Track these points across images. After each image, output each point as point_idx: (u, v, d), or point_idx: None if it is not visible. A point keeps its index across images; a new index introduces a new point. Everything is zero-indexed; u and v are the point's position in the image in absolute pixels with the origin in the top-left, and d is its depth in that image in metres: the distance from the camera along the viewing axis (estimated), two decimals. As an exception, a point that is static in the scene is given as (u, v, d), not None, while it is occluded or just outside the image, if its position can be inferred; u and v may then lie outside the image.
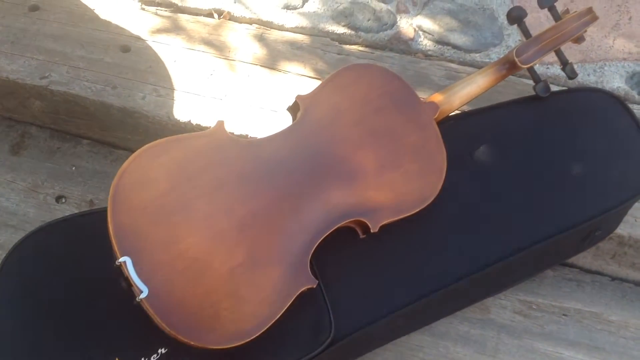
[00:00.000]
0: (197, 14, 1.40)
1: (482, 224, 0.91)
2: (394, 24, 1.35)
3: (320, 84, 0.92)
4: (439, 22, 1.34)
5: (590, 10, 1.00)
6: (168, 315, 0.74)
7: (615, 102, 0.99)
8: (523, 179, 0.93)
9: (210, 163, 0.81)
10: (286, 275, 0.78)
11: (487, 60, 1.29)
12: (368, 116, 0.88)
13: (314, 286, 0.80)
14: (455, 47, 1.31)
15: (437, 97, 0.95)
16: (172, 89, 1.25)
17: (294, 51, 1.31)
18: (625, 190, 0.92)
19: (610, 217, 0.93)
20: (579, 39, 0.99)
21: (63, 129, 1.39)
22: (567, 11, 0.99)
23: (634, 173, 0.93)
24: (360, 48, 1.30)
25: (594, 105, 1.00)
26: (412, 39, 1.33)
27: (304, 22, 1.36)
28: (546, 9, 0.96)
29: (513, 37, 1.31)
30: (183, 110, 1.22)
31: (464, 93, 0.94)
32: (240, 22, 1.38)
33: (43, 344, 0.81)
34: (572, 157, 0.94)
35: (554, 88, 1.08)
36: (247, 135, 1.16)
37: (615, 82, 1.24)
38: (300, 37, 1.33)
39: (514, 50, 0.95)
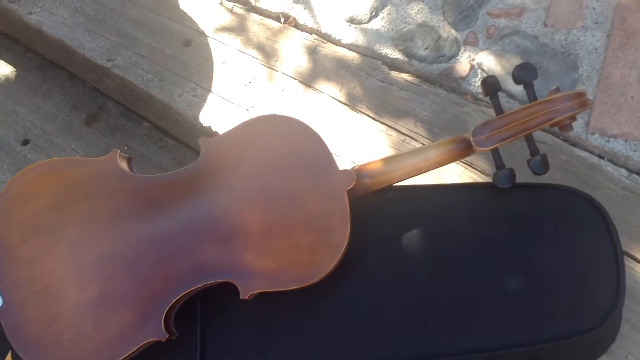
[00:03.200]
0: (267, 16, 1.47)
1: (387, 325, 0.84)
2: (453, 56, 1.27)
3: (231, 129, 0.92)
4: (504, 62, 1.23)
5: (580, 95, 0.85)
6: (15, 332, 0.84)
7: (595, 212, 0.85)
8: (452, 282, 0.84)
9: (92, 192, 0.87)
10: (135, 322, 0.82)
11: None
12: (270, 174, 0.86)
13: (162, 340, 0.82)
14: (509, 95, 1.19)
15: (374, 165, 0.90)
16: (208, 91, 1.35)
17: (338, 70, 1.31)
18: (572, 323, 0.79)
19: (548, 350, 0.80)
20: (563, 127, 0.85)
21: (132, 108, 1.57)
22: (556, 90, 0.87)
23: (592, 305, 0.80)
24: (408, 78, 1.25)
25: (567, 210, 0.87)
26: (464, 78, 1.25)
27: (361, 40, 1.35)
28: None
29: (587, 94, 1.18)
30: (209, 115, 1.31)
31: (409, 164, 0.88)
32: (302, 30, 1.41)
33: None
34: (517, 268, 0.83)
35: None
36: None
37: None
38: (351, 55, 1.32)
39: (473, 129, 0.86)
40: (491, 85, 0.87)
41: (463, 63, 1.26)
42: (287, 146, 0.87)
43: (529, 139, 0.86)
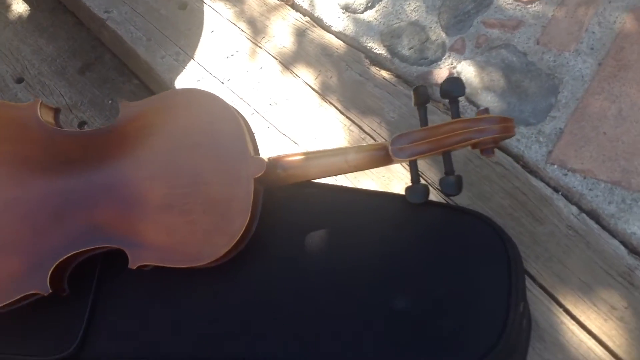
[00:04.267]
0: None
1: (266, 318, 0.84)
2: (435, 61, 1.24)
3: (154, 96, 0.92)
4: (485, 75, 1.20)
5: (506, 121, 0.82)
6: None
7: (500, 248, 0.81)
8: (339, 288, 0.83)
9: (7, 137, 0.89)
10: (21, 272, 0.84)
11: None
12: (180, 149, 0.86)
13: (45, 294, 0.84)
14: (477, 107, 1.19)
15: (292, 158, 0.89)
16: (190, 58, 1.36)
17: (320, 57, 1.30)
18: (447, 353, 0.76)
19: None
20: (484, 151, 0.82)
21: (126, 63, 1.61)
22: (485, 111, 0.84)
23: (472, 339, 0.77)
24: (386, 76, 1.23)
25: (474, 239, 0.83)
26: (438, 85, 1.21)
27: (350, 29, 1.34)
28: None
29: (556, 123, 1.12)
30: (185, 81, 1.33)
31: (327, 164, 0.87)
32: (297, 11, 1.40)
33: None
34: (406, 287, 0.81)
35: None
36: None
37: None
38: (337, 44, 1.31)
39: (393, 137, 0.84)
40: (420, 94, 0.85)
41: (443, 69, 1.23)
42: (204, 123, 0.87)
43: (447, 157, 0.83)
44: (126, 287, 0.92)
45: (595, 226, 1.02)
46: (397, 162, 0.85)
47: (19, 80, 1.63)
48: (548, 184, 1.07)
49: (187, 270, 0.86)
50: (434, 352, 0.78)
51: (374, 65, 1.27)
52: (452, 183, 0.82)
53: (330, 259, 0.87)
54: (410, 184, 0.85)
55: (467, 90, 1.19)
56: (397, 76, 1.25)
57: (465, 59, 1.23)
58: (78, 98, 1.55)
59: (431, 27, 1.29)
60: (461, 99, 1.18)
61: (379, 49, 1.29)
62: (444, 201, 1.07)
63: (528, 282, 0.99)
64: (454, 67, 1.23)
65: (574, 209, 1.04)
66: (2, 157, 0.90)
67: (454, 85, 0.83)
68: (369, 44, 1.30)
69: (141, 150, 0.88)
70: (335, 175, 0.90)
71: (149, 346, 0.88)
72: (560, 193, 1.06)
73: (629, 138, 1.08)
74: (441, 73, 1.23)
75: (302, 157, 0.89)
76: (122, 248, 0.85)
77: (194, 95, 0.90)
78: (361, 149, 0.88)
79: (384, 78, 1.24)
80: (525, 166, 1.10)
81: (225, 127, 0.87)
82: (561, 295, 0.97)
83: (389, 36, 1.30)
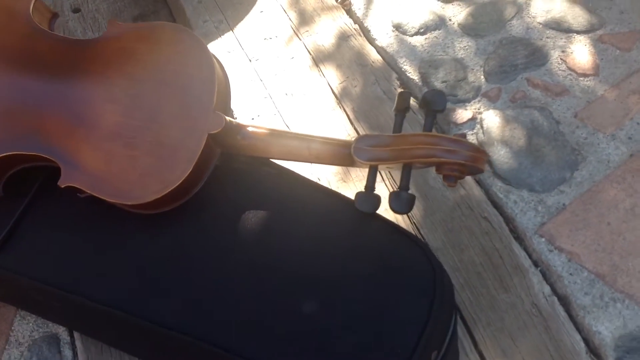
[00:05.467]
0: None
1: (177, 287, 0.81)
2: (463, 101, 1.18)
3: (145, 23, 0.92)
4: (508, 129, 1.13)
5: (479, 152, 0.76)
6: None
7: (428, 287, 0.74)
8: (256, 276, 0.78)
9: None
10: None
11: (502, 197, 1.06)
12: (148, 82, 0.84)
13: None
14: (490, 162, 1.10)
15: (256, 129, 0.85)
16: (230, 29, 1.36)
17: (353, 64, 1.27)
18: None
19: None
20: (447, 178, 0.76)
21: (177, 21, 1.64)
22: (462, 135, 0.79)
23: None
24: (412, 101, 1.21)
25: (407, 266, 0.77)
26: (457, 124, 1.16)
27: (393, 48, 1.31)
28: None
29: (562, 198, 1.05)
30: (215, 49, 1.33)
31: (289, 146, 0.83)
32: (350, 16, 1.38)
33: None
34: (322, 294, 0.76)
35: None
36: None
37: None
38: (374, 57, 1.28)
39: (359, 136, 0.80)
40: (403, 100, 0.80)
41: (467, 111, 1.18)
42: (180, 65, 0.85)
43: (406, 171, 0.78)
44: (58, 211, 0.90)
45: (563, 313, 0.93)
46: (359, 164, 0.81)
47: (76, 10, 1.66)
48: (529, 256, 1.00)
49: (118, 213, 0.85)
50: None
51: (401, 88, 1.23)
52: (403, 200, 0.77)
53: (259, 244, 0.82)
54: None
55: (483, 138, 1.13)
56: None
57: (494, 108, 1.17)
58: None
59: (473, 69, 1.24)
60: (467, 136, 1.12)
61: (412, 74, 1.25)
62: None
63: (467, 346, 0.91)
64: (480, 112, 1.17)
65: (547, 289, 0.96)
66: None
67: (436, 97, 0.79)
68: (405, 67, 1.26)
69: (111, 72, 0.87)
70: (296, 160, 0.85)
71: (55, 274, 0.86)
72: (538, 268, 0.98)
73: (633, 237, 1.00)
74: (464, 114, 1.17)
75: (266, 131, 0.85)
76: (59, 163, 0.83)
77: (182, 35, 0.88)
78: (327, 140, 0.83)
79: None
80: (513, 230, 1.02)
81: (200, 75, 0.84)
82: (499, 370, 0.90)
83: (428, 65, 1.26)
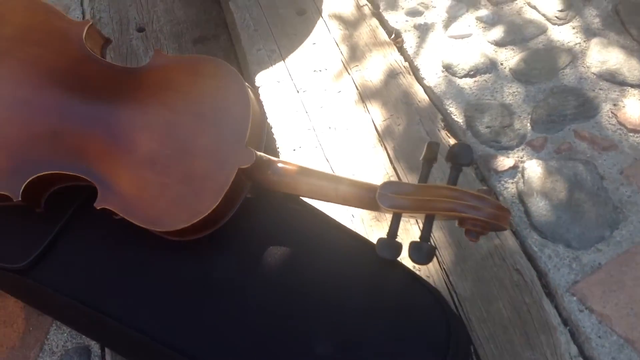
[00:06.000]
0: (383, 26, 1.47)
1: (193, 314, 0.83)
2: (506, 148, 1.17)
3: (188, 56, 0.96)
4: (549, 181, 1.11)
5: (503, 210, 0.76)
6: None
7: (444, 337, 0.74)
8: (278, 315, 0.80)
9: (47, 43, 0.94)
10: (3, 170, 0.88)
11: (537, 251, 1.05)
12: (185, 114, 0.87)
13: (14, 199, 0.87)
14: (527, 213, 1.08)
15: (287, 166, 0.87)
16: (282, 59, 1.39)
17: (399, 103, 1.28)
18: None
19: None
20: (468, 233, 0.75)
21: (235, 47, 1.66)
22: (487, 191, 0.78)
23: None
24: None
25: (424, 322, 0.76)
26: (499, 172, 1.15)
27: (441, 89, 1.31)
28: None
29: (598, 257, 1.02)
30: (265, 78, 1.36)
31: (318, 186, 0.84)
32: (401, 53, 1.39)
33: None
34: (338, 343, 0.76)
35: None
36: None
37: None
38: (421, 97, 1.28)
39: (384, 182, 0.80)
40: (431, 151, 0.81)
41: (509, 159, 1.16)
42: (217, 100, 0.88)
43: (428, 222, 0.77)
44: (93, 231, 0.93)
45: (587, 377, 0.92)
46: (383, 210, 0.81)
47: (140, 30, 1.72)
48: (560, 314, 0.98)
49: (151, 236, 0.87)
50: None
51: (445, 129, 1.23)
52: (423, 251, 0.77)
53: (281, 283, 0.84)
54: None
55: (523, 188, 1.12)
56: (463, 149, 1.20)
57: (538, 158, 1.16)
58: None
59: (520, 116, 1.23)
60: (514, 196, 1.12)
61: (457, 117, 1.25)
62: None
63: (484, 401, 0.91)
64: (523, 161, 1.15)
65: (574, 349, 0.94)
66: (31, 58, 0.95)
67: (464, 152, 0.79)
68: (451, 109, 1.26)
69: (151, 100, 0.90)
70: (323, 200, 0.86)
71: (86, 293, 0.89)
72: (567, 328, 0.96)
73: (670, 303, 0.97)
74: (506, 162, 1.16)
75: (296, 169, 0.86)
76: (96, 185, 0.86)
77: (222, 70, 0.90)
78: (354, 184, 0.84)
79: (448, 145, 1.20)
80: (545, 286, 1.01)
81: (235, 110, 0.87)
82: None
83: (474, 108, 1.25)
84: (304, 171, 0.87)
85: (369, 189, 0.83)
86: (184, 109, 0.88)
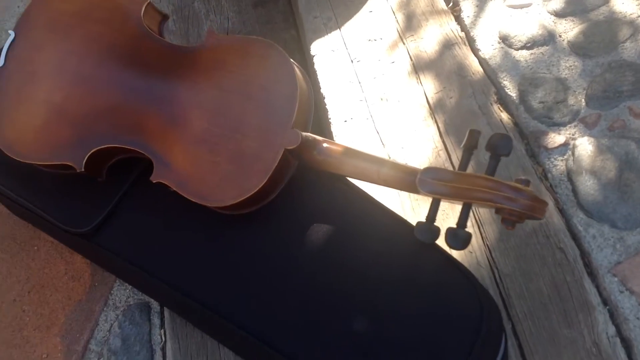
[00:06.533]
0: None
1: (248, 287, 0.90)
2: (558, 125, 1.16)
3: (240, 36, 1.03)
4: (599, 159, 1.10)
5: (540, 203, 0.78)
6: None
7: (477, 317, 0.78)
8: (325, 289, 0.86)
9: (108, 20, 1.00)
10: (68, 142, 0.96)
11: (581, 230, 1.05)
12: (236, 93, 0.91)
13: (78, 170, 0.94)
14: (575, 192, 1.09)
15: (332, 147, 0.90)
16: (337, 28, 1.41)
17: (452, 75, 1.29)
18: None
19: None
20: (504, 220, 0.78)
21: (293, 12, 1.68)
22: (524, 182, 0.79)
23: None
24: (504, 118, 1.18)
25: (453, 296, 0.81)
26: (548, 149, 1.15)
27: (496, 61, 1.31)
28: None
29: None
30: (320, 46, 1.39)
31: (361, 167, 0.87)
32: (457, 23, 1.39)
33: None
34: (377, 318, 0.81)
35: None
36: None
37: None
38: (475, 69, 1.28)
39: (426, 167, 0.83)
40: (472, 138, 0.83)
41: (560, 136, 1.16)
42: (267, 81, 0.92)
43: (465, 209, 0.81)
44: (151, 201, 1.01)
45: (623, 356, 0.93)
46: (422, 193, 0.84)
47: None
48: (600, 294, 0.99)
49: (204, 209, 0.94)
50: None
51: (498, 103, 1.23)
52: (459, 237, 0.80)
53: (323, 258, 0.89)
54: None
55: (572, 166, 1.12)
56: (515, 124, 1.20)
57: (590, 135, 1.15)
58: (240, 27, 1.65)
59: (575, 91, 1.22)
60: (562, 173, 1.13)
61: (511, 91, 1.24)
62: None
63: (517, 375, 0.94)
64: (574, 138, 1.15)
65: (612, 329, 0.96)
66: (93, 35, 1.01)
67: (503, 142, 0.81)
68: (505, 82, 1.26)
69: (204, 80, 0.95)
70: (365, 181, 0.90)
71: (143, 258, 0.97)
72: (607, 308, 0.98)
73: None
74: (557, 138, 1.16)
75: (341, 149, 0.90)
76: (152, 160, 0.93)
77: (271, 52, 0.94)
78: (396, 167, 0.87)
79: (500, 120, 1.20)
80: (587, 265, 1.02)
81: (284, 92, 0.91)
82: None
83: (528, 82, 1.25)
84: (348, 152, 0.90)
85: (410, 172, 0.86)
86: (234, 90, 0.93)
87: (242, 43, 0.96)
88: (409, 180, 0.86)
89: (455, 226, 0.81)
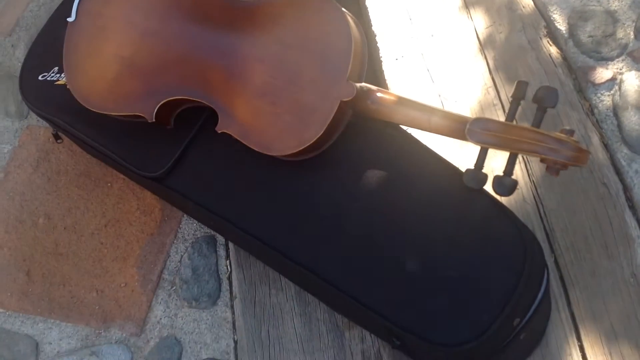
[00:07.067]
0: None
1: (309, 232, 0.97)
2: (607, 59, 1.19)
3: None
4: None
5: (583, 152, 0.83)
6: (69, 47, 1.09)
7: (521, 256, 0.85)
8: (376, 228, 0.93)
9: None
10: (139, 94, 1.03)
11: (625, 165, 1.10)
12: (293, 48, 0.96)
13: (149, 120, 1.02)
14: (620, 127, 1.13)
15: (385, 96, 0.95)
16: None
17: (502, 8, 1.31)
18: (442, 329, 0.85)
19: (408, 338, 0.88)
20: (549, 169, 0.84)
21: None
22: (569, 132, 0.84)
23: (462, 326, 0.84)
24: (553, 53, 1.22)
25: (500, 237, 0.88)
26: (596, 84, 1.19)
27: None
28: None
29: None
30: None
31: (412, 115, 0.93)
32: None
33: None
34: (431, 257, 0.89)
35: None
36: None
37: None
38: (525, 2, 1.31)
39: (476, 117, 0.88)
40: (520, 89, 0.87)
41: (608, 70, 1.19)
42: (323, 34, 0.96)
43: (512, 158, 0.86)
44: (218, 145, 1.07)
45: (659, 287, 1.00)
46: (470, 141, 0.89)
47: None
48: (639, 226, 1.06)
49: (267, 156, 0.99)
50: (414, 320, 0.88)
51: (547, 37, 1.26)
52: (505, 185, 0.86)
53: (379, 199, 0.96)
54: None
55: (619, 101, 1.16)
56: (564, 58, 1.23)
57: (637, 69, 1.18)
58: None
59: (624, 24, 1.24)
60: (609, 109, 1.16)
61: (560, 24, 1.26)
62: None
63: (560, 304, 1.02)
64: (621, 73, 1.18)
65: (650, 261, 1.03)
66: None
67: (550, 95, 0.85)
68: (555, 15, 1.28)
69: (263, 34, 1.00)
70: (416, 128, 0.96)
71: (213, 201, 1.05)
72: (646, 241, 1.04)
73: None
74: (604, 74, 1.19)
75: (393, 98, 0.95)
76: (217, 111, 1.00)
77: (330, 8, 0.97)
78: (447, 115, 0.93)
79: (549, 54, 1.23)
80: (629, 199, 1.08)
81: (339, 45, 0.95)
82: (585, 331, 0.99)
83: (578, 16, 1.26)
84: (400, 101, 0.95)
85: (460, 121, 0.91)
86: (292, 44, 0.98)
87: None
88: (459, 128, 0.91)
89: (502, 174, 0.88)
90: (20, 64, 1.30)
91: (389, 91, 0.97)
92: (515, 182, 0.87)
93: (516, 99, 0.89)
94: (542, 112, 0.86)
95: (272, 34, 0.99)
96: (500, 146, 0.86)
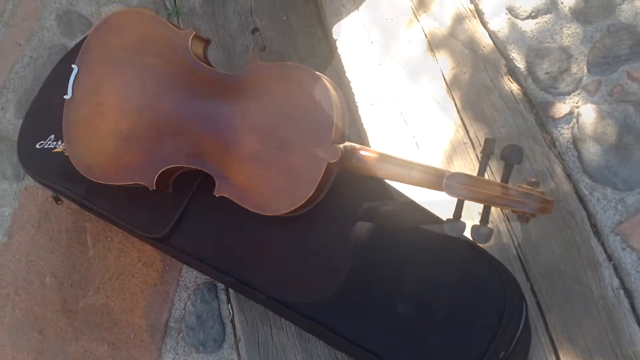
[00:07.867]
0: None
1: (297, 277, 1.08)
2: (563, 94, 1.30)
3: (280, 63, 1.10)
4: (601, 125, 1.25)
5: (548, 203, 0.94)
6: (67, 125, 1.18)
7: (501, 297, 0.96)
8: (363, 278, 1.03)
9: (160, 53, 1.13)
10: (139, 165, 1.12)
11: (587, 194, 1.20)
12: (281, 115, 1.05)
13: (150, 188, 1.11)
14: (580, 159, 1.23)
15: (368, 154, 1.05)
16: (355, 9, 1.53)
17: (465, 50, 1.41)
18: None
19: None
20: (520, 217, 0.94)
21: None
22: (535, 183, 0.94)
23: None
24: (515, 90, 1.32)
25: (485, 287, 0.98)
26: (555, 119, 1.29)
27: (504, 33, 1.42)
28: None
29: None
30: (342, 29, 1.51)
31: (394, 171, 1.02)
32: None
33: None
34: (414, 302, 0.99)
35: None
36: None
37: None
38: (485, 42, 1.41)
39: (452, 173, 0.98)
40: (488, 146, 0.97)
41: (566, 105, 1.30)
42: (307, 103, 1.06)
43: (487, 209, 0.96)
44: (213, 206, 1.16)
45: (626, 306, 1.11)
46: (447, 194, 0.99)
47: (254, 31, 1.83)
48: (605, 251, 1.16)
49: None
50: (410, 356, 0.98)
51: (508, 75, 1.36)
52: (482, 234, 0.96)
53: (366, 247, 1.06)
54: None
55: (577, 134, 1.27)
56: (524, 94, 1.33)
57: (592, 102, 1.29)
58: (260, 4, 1.75)
59: (577, 59, 1.34)
60: (568, 141, 1.27)
61: (519, 62, 1.37)
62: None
63: (540, 328, 1.12)
64: (578, 107, 1.29)
65: (616, 282, 1.13)
66: (149, 67, 1.15)
67: (515, 153, 0.95)
68: (513, 54, 1.38)
69: (251, 104, 1.09)
70: (397, 182, 1.05)
71: (211, 256, 1.15)
72: (611, 263, 1.15)
73: (703, 240, 1.13)
74: (562, 108, 1.29)
75: (375, 156, 1.05)
76: (213, 177, 1.09)
77: (311, 78, 1.07)
78: (425, 170, 1.02)
79: (511, 92, 1.34)
80: (593, 225, 1.18)
81: (322, 112, 1.05)
82: (563, 352, 1.10)
83: (534, 53, 1.37)
84: (382, 158, 1.05)
85: (438, 174, 1.01)
86: (278, 112, 1.07)
87: (282, 69, 1.09)
88: (437, 182, 1.00)
89: (478, 223, 0.97)
90: (11, 126, 1.38)
91: (371, 149, 1.07)
92: (492, 230, 0.97)
93: (485, 155, 0.99)
94: (509, 169, 0.97)
95: (260, 104, 1.09)
96: (474, 199, 0.96)
